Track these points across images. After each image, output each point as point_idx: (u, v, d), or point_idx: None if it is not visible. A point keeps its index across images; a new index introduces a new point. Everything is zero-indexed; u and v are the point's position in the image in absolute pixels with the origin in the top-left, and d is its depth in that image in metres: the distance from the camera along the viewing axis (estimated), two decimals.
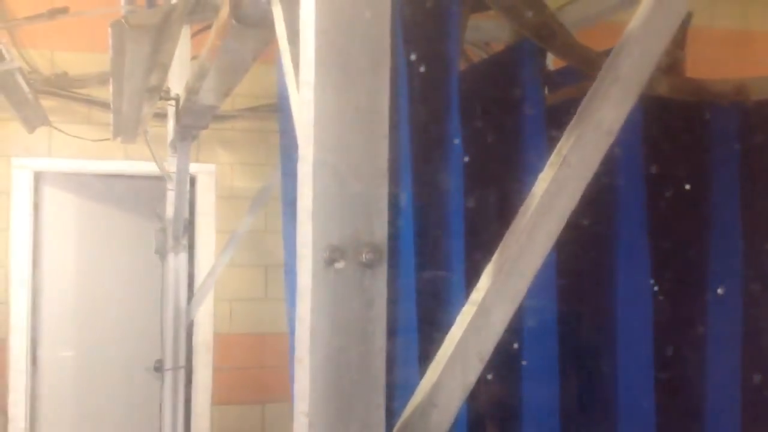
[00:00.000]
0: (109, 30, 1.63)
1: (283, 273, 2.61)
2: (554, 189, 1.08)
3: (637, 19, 1.10)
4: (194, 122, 3.04)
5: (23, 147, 4.59)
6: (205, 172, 5.00)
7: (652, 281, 1.68)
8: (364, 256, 1.00)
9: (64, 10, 2.07)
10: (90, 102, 4.54)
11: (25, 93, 2.61)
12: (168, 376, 3.87)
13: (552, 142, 1.56)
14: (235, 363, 5.01)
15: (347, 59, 1.00)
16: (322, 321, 0.99)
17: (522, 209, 1.10)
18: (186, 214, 3.83)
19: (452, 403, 1.05)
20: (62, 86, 4.07)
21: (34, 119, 2.93)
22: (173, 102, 3.16)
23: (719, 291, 1.70)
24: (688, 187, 1.76)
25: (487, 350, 1.05)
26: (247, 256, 4.94)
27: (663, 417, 1.71)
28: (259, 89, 4.84)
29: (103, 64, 4.65)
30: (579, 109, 1.12)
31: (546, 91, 1.81)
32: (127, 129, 2.94)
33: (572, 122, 1.12)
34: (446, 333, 1.08)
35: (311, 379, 0.98)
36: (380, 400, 1.00)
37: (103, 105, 4.56)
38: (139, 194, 5.08)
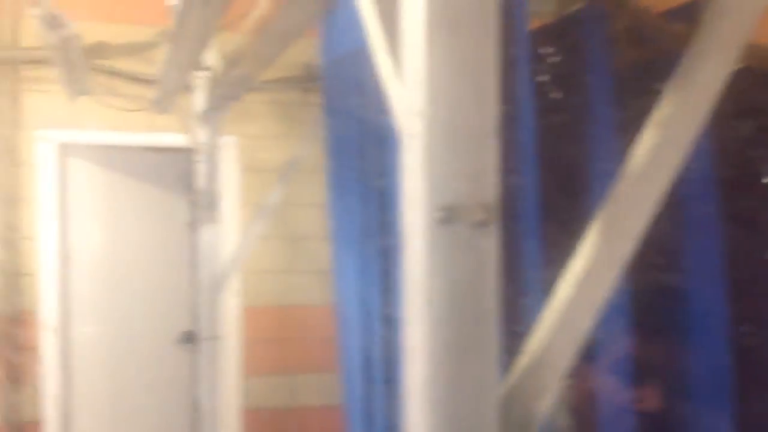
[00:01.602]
0: None
1: (331, 242, 2.64)
2: (659, 150, 1.08)
3: None
4: (229, 93, 3.05)
5: (47, 119, 4.59)
6: (228, 144, 4.99)
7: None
8: (476, 215, 1.00)
9: None
10: (113, 73, 4.53)
11: (77, 61, 2.61)
12: (204, 346, 3.90)
13: (620, 105, 1.56)
14: (263, 335, 5.04)
15: (457, 16, 0.99)
16: (437, 281, 1.00)
17: (624, 172, 1.11)
18: (217, 186, 3.84)
19: (562, 361, 1.06)
20: (91, 57, 4.05)
21: (78, 89, 2.93)
22: (206, 73, 3.15)
23: None
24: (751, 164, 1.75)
25: (595, 312, 1.06)
26: (272, 228, 4.95)
27: None
28: (280, 61, 4.82)
29: (124, 35, 4.65)
30: (678, 71, 1.12)
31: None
32: (164, 100, 2.93)
33: (672, 84, 1.12)
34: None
35: (428, 337, 0.99)
36: (494, 357, 1.01)
37: (128, 76, 4.56)
38: (163, 166, 5.08)
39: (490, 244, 1.01)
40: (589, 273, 1.07)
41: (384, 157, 2.08)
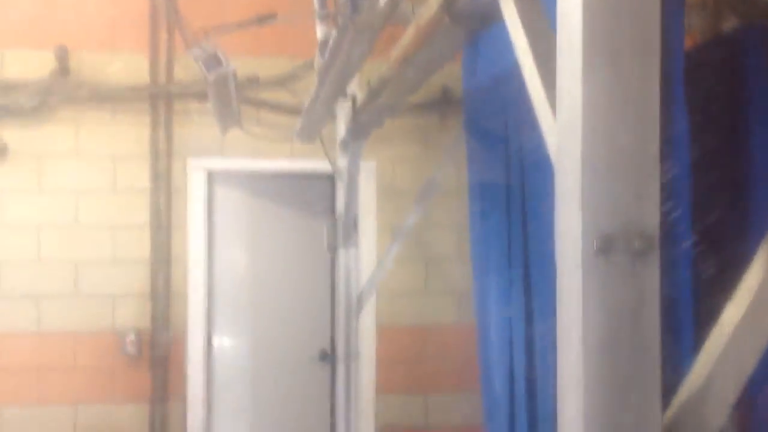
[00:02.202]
0: (333, 30, 1.69)
1: (472, 263, 2.64)
2: None
3: None
4: (372, 120, 3.11)
5: (197, 149, 4.85)
6: (365, 169, 5.08)
7: None
8: (635, 244, 0.98)
9: (272, 17, 2.17)
10: (260, 104, 4.73)
11: (231, 96, 2.76)
12: (341, 365, 3.98)
13: None
14: (397, 354, 5.08)
15: (616, 43, 0.98)
16: (594, 311, 0.98)
17: None
18: (356, 211, 3.93)
19: (728, 393, 1.01)
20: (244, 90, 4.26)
21: (230, 121, 3.09)
22: (349, 101, 3.23)
23: None
24: None
25: (764, 342, 1.01)
26: (407, 250, 5.00)
27: None
28: None
29: (268, 67, 4.86)
30: None
31: None
32: (309, 130, 3.04)
33: None
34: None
35: (584, 370, 0.98)
36: (656, 391, 0.98)
37: (272, 106, 4.76)
38: (305, 192, 5.25)
39: (650, 274, 0.99)
40: (756, 302, 1.02)
41: (528, 181, 2.07)
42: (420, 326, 5.11)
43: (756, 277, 1.04)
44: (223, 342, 5.15)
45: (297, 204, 5.32)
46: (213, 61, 2.42)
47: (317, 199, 5.42)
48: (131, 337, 4.67)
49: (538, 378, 2.02)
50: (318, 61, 3.19)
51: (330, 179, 5.30)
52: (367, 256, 4.95)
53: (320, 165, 4.90)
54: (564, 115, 1.04)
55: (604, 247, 0.98)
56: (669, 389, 1.04)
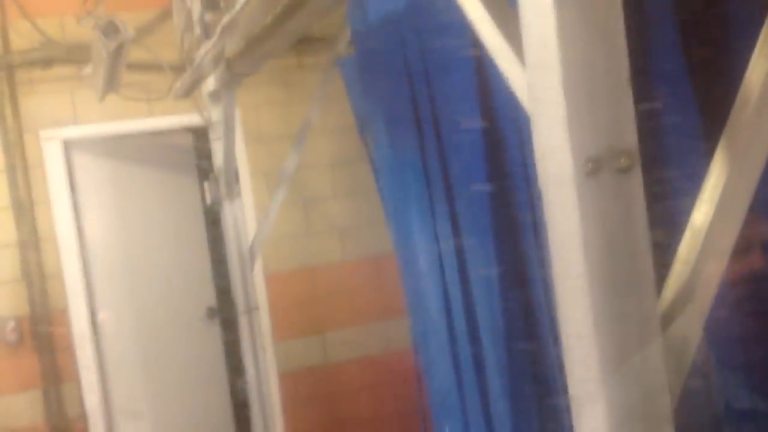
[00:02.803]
0: None
1: (383, 199, 2.68)
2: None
3: None
4: (248, 69, 3.05)
5: (49, 118, 4.57)
6: None
7: None
8: (620, 162, 1.06)
9: None
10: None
11: (123, 63, 2.61)
12: (243, 319, 3.96)
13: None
14: (289, 300, 5.11)
15: None
16: (591, 231, 1.06)
17: (739, 98, 1.16)
18: (236, 162, 3.86)
19: (709, 286, 1.13)
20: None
21: (112, 87, 2.93)
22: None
23: None
24: None
25: (734, 234, 1.13)
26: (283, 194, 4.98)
27: None
28: None
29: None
30: None
31: None
32: (189, 86, 2.94)
33: None
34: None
35: (588, 278, 1.06)
36: (652, 290, 1.08)
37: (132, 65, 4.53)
38: (167, 149, 5.09)
39: (635, 188, 1.07)
40: (723, 199, 1.13)
41: (440, 113, 2.11)
42: (307, 268, 5.14)
43: (717, 180, 1.15)
44: (107, 316, 4.98)
45: (162, 163, 5.15)
46: (111, 29, 2.28)
47: (181, 154, 5.28)
48: (11, 324, 4.44)
49: (474, 296, 2.12)
50: (179, 17, 3.06)
51: (192, 133, 5.16)
52: (245, 205, 4.89)
53: (182, 120, 4.77)
54: (534, 51, 1.09)
55: (594, 168, 1.05)
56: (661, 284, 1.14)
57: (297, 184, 5.08)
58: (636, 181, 1.07)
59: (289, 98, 5.03)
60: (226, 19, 1.97)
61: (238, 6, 1.83)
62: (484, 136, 1.92)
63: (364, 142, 3.33)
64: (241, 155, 4.97)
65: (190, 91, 3.11)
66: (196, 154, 5.23)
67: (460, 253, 2.12)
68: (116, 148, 5.01)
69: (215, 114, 3.69)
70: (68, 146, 4.75)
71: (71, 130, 4.68)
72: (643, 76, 1.67)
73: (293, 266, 5.16)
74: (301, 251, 5.17)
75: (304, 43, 4.90)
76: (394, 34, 2.16)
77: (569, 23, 1.04)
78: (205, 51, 2.36)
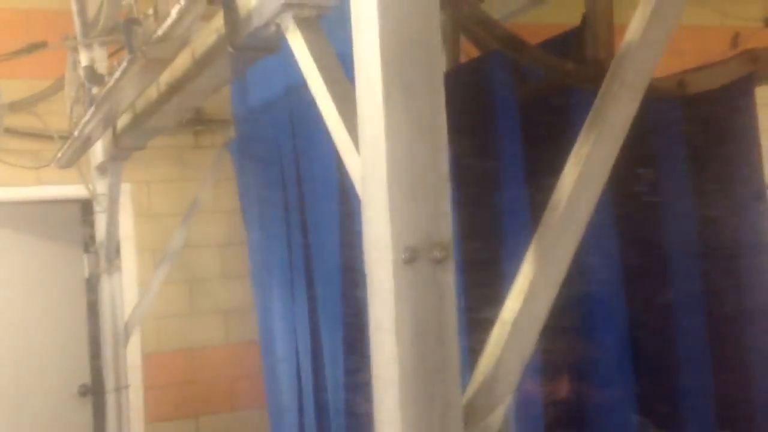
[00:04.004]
0: (124, 60, 1.68)
1: (252, 282, 2.70)
2: (580, 184, 1.25)
3: (634, 27, 1.29)
4: (135, 143, 3.07)
5: None
6: (121, 192, 4.94)
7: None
8: (435, 253, 1.14)
9: (43, 44, 2.07)
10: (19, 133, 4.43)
11: None
12: (111, 398, 3.85)
13: (527, 142, 1.75)
14: (166, 380, 4.98)
15: (409, 78, 1.13)
16: (405, 315, 1.12)
17: (552, 203, 1.27)
18: (118, 236, 3.82)
19: (513, 375, 1.20)
20: None
21: None
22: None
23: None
24: (638, 180, 1.98)
25: (539, 329, 1.21)
26: (169, 272, 4.92)
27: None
28: None
29: (12, 91, 4.55)
30: (591, 112, 1.30)
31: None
32: (72, 156, 2.93)
33: (587, 124, 1.30)
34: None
35: (399, 363, 1.12)
36: (457, 375, 1.14)
37: (19, 132, 4.47)
38: (53, 220, 4.97)
39: (448, 278, 1.15)
40: (530, 294, 1.22)
41: (306, 199, 2.19)
42: (188, 349, 5.04)
43: (527, 275, 1.24)
44: None
45: (46, 233, 5.02)
46: None
47: (68, 226, 5.16)
48: None
49: (327, 388, 2.14)
50: (70, 87, 3.08)
51: (80, 204, 5.08)
52: (128, 282, 4.79)
53: (71, 191, 4.69)
54: (367, 145, 1.18)
55: (411, 257, 1.12)
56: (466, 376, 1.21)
57: (184, 263, 5.04)
58: (449, 272, 1.15)
59: (183, 177, 5.03)
60: (103, 91, 2.01)
61: (112, 80, 1.88)
62: (341, 218, 2.00)
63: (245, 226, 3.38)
64: (129, 230, 4.91)
65: (73, 161, 3.10)
66: (83, 226, 5.13)
67: (314, 337, 2.16)
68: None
69: (101, 187, 3.67)
70: None
71: None
72: (488, 178, 1.81)
73: (174, 346, 5.05)
74: (184, 331, 5.08)
75: (202, 123, 4.96)
76: (270, 120, 2.24)
77: (396, 122, 1.13)
78: (84, 121, 2.38)
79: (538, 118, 1.85)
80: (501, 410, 1.21)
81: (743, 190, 2.05)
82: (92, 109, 2.17)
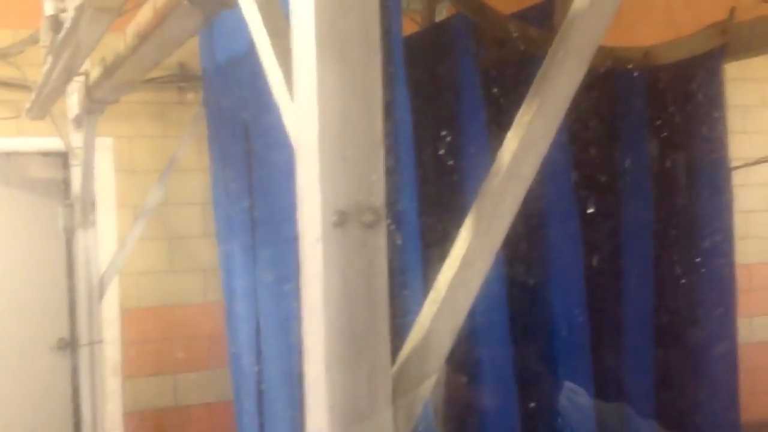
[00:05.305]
0: (69, 10, 1.65)
1: (217, 242, 2.70)
2: (521, 152, 1.23)
3: None
4: (108, 97, 3.04)
5: None
6: (102, 146, 4.90)
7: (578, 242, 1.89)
8: (366, 217, 1.12)
9: None
10: None
11: None
12: (84, 351, 3.86)
13: (488, 107, 1.72)
14: (143, 336, 5.00)
15: (343, 36, 1.10)
16: (334, 276, 1.11)
17: (492, 171, 1.25)
18: (94, 190, 3.80)
19: (443, 344, 1.20)
20: None
21: None
22: (82, 77, 3.12)
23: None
24: (598, 150, 1.96)
25: (471, 298, 1.20)
26: (149, 229, 4.91)
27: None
28: None
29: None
30: (536, 79, 1.28)
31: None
32: (41, 107, 2.90)
33: (531, 91, 1.28)
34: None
35: (326, 328, 1.11)
36: (386, 343, 1.13)
37: (8, 84, 4.43)
38: (34, 171, 4.94)
39: (379, 243, 1.13)
40: (464, 264, 1.21)
41: (265, 157, 2.16)
42: (166, 305, 5.06)
43: (463, 243, 1.23)
44: None
45: (27, 185, 5.00)
46: None
47: (49, 178, 5.14)
48: None
49: (283, 355, 2.14)
50: (45, 36, 3.04)
51: (62, 157, 5.05)
52: (106, 237, 4.79)
53: (51, 143, 4.66)
54: (301, 104, 1.15)
55: (340, 220, 1.11)
56: (397, 344, 1.20)
57: (164, 220, 5.03)
58: (380, 237, 1.13)
59: (165, 133, 5.00)
60: (59, 37, 1.97)
61: (63, 29, 1.85)
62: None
63: None
64: (109, 185, 4.89)
65: (44, 112, 3.07)
66: (64, 179, 5.11)
67: (273, 302, 2.16)
68: None
69: (76, 140, 3.64)
70: None
71: None
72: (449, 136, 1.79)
73: (152, 303, 5.06)
74: (163, 288, 5.09)
75: (186, 79, 4.92)
76: (235, 76, 2.21)
77: (329, 81, 1.10)
78: (46, 69, 2.35)
79: (500, 83, 1.83)
80: (431, 381, 1.20)
81: (706, 163, 2.04)
82: (51, 57, 2.13)
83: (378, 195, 1.13)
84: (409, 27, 2.71)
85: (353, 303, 1.12)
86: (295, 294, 2.09)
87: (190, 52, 4.09)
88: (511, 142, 1.24)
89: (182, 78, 4.93)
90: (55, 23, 2.17)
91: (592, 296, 1.99)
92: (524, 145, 1.24)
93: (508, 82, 1.89)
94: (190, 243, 5.13)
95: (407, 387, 1.19)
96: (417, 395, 1.18)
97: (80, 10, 1.63)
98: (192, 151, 4.48)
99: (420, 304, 1.21)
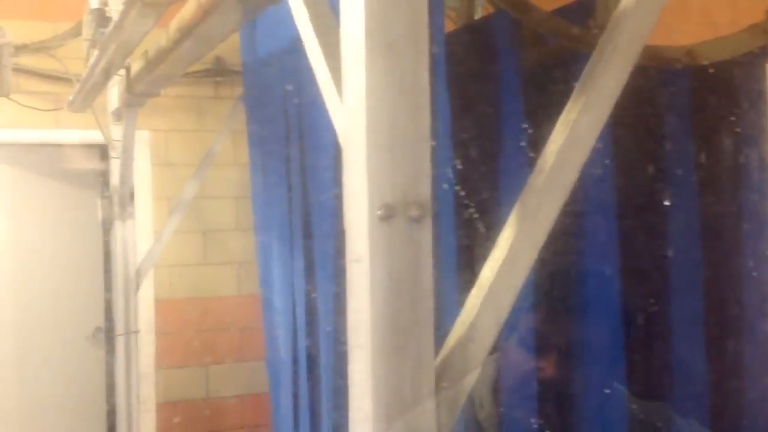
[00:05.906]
0: (112, 4, 1.69)
1: (255, 234, 2.72)
2: (566, 149, 1.24)
3: None
4: (148, 90, 3.08)
5: None
6: (139, 139, 4.96)
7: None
8: (413, 212, 1.14)
9: None
10: (21, 71, 4.45)
11: (6, 66, 2.60)
12: (120, 341, 3.92)
13: (529, 106, 1.73)
14: (177, 327, 5.06)
15: (392, 34, 1.12)
16: (380, 270, 1.13)
17: (537, 168, 1.26)
18: (132, 182, 3.86)
19: (487, 338, 1.21)
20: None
21: (2, 91, 2.91)
22: (124, 71, 3.17)
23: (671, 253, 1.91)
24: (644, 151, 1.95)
25: (515, 293, 1.21)
26: (184, 222, 4.97)
27: None
28: None
29: (28, 33, 4.57)
30: (582, 77, 1.28)
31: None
32: (84, 100, 2.95)
33: (577, 88, 1.28)
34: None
35: (372, 321, 1.12)
36: (430, 335, 1.15)
37: (34, 73, 4.50)
38: (72, 163, 5.02)
39: (425, 237, 1.15)
40: (509, 258, 1.22)
41: (307, 153, 2.19)
42: (200, 298, 5.11)
43: (507, 239, 1.24)
44: None
45: (65, 176, 5.08)
46: None
47: (87, 170, 5.22)
48: None
49: (320, 346, 2.16)
50: (87, 29, 3.09)
51: (100, 150, 5.12)
52: (143, 229, 4.85)
53: (90, 135, 4.73)
54: (350, 101, 1.17)
55: (387, 214, 1.12)
56: (442, 337, 1.22)
57: (199, 213, 5.09)
58: (426, 231, 1.15)
59: (201, 127, 5.05)
60: (106, 31, 2.01)
61: (111, 23, 1.88)
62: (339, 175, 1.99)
63: None
64: (145, 178, 4.96)
65: (86, 104, 3.12)
66: (101, 171, 5.18)
67: (311, 294, 2.18)
68: (19, 156, 4.93)
69: (116, 133, 3.70)
70: None
71: None
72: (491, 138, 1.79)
73: (186, 294, 5.12)
74: (196, 280, 5.15)
75: (222, 74, 4.96)
76: (277, 72, 2.23)
77: (379, 81, 1.12)
78: (91, 64, 2.39)
79: (541, 81, 1.83)
80: (474, 374, 1.21)
81: (750, 164, 2.02)
82: (96, 51, 2.17)
83: (424, 190, 1.15)
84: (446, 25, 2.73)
85: (399, 296, 1.13)
86: (333, 287, 2.12)
87: (227, 46, 4.12)
88: (555, 139, 1.25)
89: (218, 72, 4.98)
90: (100, 17, 2.21)
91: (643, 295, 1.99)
92: (569, 143, 1.24)
93: (548, 80, 1.88)
94: (224, 236, 5.18)
95: (451, 379, 1.20)
96: (460, 388, 1.20)
97: (129, 4, 1.66)
98: (227, 145, 4.52)
99: (453, 300, 1.23)
